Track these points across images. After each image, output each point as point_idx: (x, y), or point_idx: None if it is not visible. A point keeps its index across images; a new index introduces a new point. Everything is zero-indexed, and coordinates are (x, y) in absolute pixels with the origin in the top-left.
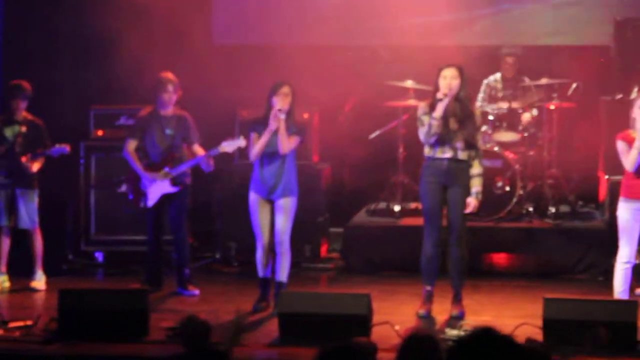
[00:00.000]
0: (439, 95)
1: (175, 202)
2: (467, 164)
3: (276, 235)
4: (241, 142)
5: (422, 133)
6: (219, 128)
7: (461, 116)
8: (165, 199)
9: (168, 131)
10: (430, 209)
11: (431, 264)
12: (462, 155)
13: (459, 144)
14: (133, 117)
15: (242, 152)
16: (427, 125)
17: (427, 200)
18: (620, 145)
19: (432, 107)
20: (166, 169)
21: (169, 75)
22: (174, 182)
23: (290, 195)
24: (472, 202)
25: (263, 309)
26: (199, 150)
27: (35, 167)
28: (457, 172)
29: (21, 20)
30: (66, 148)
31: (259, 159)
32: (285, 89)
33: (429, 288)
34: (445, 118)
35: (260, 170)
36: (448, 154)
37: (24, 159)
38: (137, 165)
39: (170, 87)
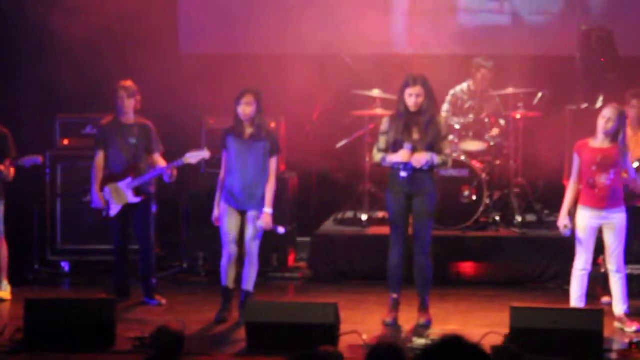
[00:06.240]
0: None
1: (139, 212)
2: (429, 173)
3: (246, 245)
4: (205, 153)
5: (375, 153)
6: (186, 136)
7: (423, 126)
8: (129, 208)
9: (132, 140)
10: (395, 218)
11: (396, 272)
12: None
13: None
14: (95, 127)
15: (209, 162)
16: (381, 157)
17: (391, 210)
18: (574, 156)
19: (394, 121)
20: (129, 179)
21: (126, 82)
22: (137, 192)
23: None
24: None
25: (226, 319)
26: (159, 159)
27: (12, 175)
28: (420, 181)
29: None
30: (39, 159)
31: (230, 170)
32: (248, 98)
33: (395, 296)
34: (407, 129)
35: (232, 182)
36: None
37: (2, 167)
38: (95, 182)
39: (123, 94)
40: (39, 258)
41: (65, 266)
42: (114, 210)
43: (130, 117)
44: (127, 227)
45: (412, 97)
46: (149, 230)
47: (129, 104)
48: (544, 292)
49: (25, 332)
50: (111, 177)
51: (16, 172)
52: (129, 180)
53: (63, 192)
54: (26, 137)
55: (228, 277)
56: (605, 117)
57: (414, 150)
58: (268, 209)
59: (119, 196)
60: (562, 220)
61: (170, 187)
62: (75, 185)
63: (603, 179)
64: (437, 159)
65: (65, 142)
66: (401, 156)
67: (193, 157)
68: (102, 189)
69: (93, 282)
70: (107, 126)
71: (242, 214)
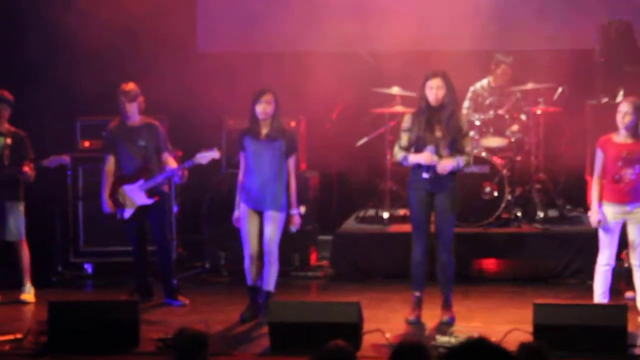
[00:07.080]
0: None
1: (153, 213)
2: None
3: (265, 245)
4: (215, 153)
5: (397, 151)
6: (205, 136)
7: (445, 122)
8: (144, 210)
9: (140, 142)
10: (417, 216)
11: (419, 270)
12: None
13: (444, 152)
14: (104, 130)
15: (230, 161)
16: (402, 157)
17: (414, 208)
18: (597, 152)
19: (416, 117)
20: (141, 181)
21: (127, 85)
22: (150, 193)
23: (280, 210)
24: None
25: (250, 318)
26: (169, 159)
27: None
28: (442, 179)
29: (6, 31)
30: (65, 158)
31: (248, 170)
32: (267, 97)
33: (417, 294)
34: (430, 125)
35: (250, 183)
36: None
37: (27, 169)
38: (104, 188)
39: (123, 99)
40: (61, 260)
41: (88, 268)
42: (128, 213)
43: (135, 120)
44: (144, 229)
45: (433, 90)
46: (165, 230)
47: (131, 108)
48: (566, 288)
49: (49, 334)
50: (123, 179)
51: (38, 174)
52: (140, 182)
53: (84, 194)
54: (47, 140)
55: (252, 277)
56: (622, 111)
57: (436, 151)
58: (295, 211)
59: (131, 199)
60: (595, 215)
61: (192, 187)
62: (96, 187)
63: (629, 174)
64: (462, 162)
65: (86, 144)
66: (424, 158)
67: (203, 158)
68: (114, 192)
69: (116, 283)
70: (115, 130)
71: (260, 214)
